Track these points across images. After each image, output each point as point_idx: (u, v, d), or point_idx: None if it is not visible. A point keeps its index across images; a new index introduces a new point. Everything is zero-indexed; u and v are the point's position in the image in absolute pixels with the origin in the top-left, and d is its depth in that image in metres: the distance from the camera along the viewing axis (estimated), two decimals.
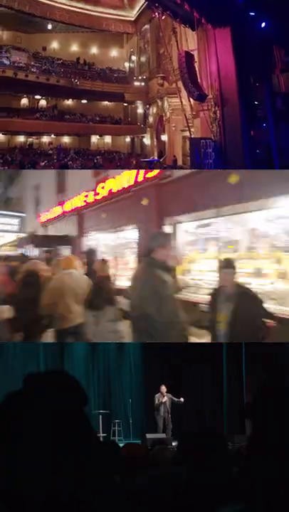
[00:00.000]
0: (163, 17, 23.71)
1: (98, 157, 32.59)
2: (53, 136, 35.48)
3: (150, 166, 27.33)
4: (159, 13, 23.51)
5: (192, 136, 22.31)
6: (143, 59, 36.57)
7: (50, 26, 35.78)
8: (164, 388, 12.52)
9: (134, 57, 38.11)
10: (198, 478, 1.82)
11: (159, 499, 1.66)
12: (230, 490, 1.81)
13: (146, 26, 34.06)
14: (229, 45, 18.12)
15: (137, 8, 33.39)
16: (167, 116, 29.87)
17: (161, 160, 29.89)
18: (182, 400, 12.50)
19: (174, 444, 10.06)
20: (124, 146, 37.61)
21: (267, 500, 1.19)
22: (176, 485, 1.71)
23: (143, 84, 35.29)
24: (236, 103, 18.13)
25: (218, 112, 18.93)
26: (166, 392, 12.55)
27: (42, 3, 31.22)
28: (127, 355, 14.91)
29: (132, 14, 34.46)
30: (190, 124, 22.84)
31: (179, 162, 27.36)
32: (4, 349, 13.39)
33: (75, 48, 38.85)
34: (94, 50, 39.28)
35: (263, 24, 17.01)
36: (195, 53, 21.12)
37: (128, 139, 37.95)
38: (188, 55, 20.85)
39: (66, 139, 36.14)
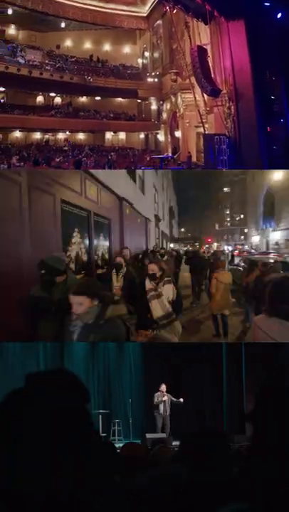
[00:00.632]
0: (174, 11, 22.57)
1: (112, 153, 32.11)
2: (68, 132, 34.87)
3: (162, 162, 26.18)
4: (170, 7, 22.35)
5: (206, 133, 21.22)
6: (156, 55, 35.84)
7: (63, 24, 34.86)
8: (164, 387, 12.07)
9: (147, 54, 37.34)
10: (198, 477, 1.75)
11: (159, 499, 1.55)
12: (230, 490, 1.76)
13: (159, 22, 33.32)
14: (243, 38, 17.18)
15: (149, 4, 32.50)
16: (181, 112, 29.03)
17: (175, 156, 28.98)
18: (182, 400, 11.99)
19: (174, 443, 9.91)
20: (139, 142, 36.99)
21: (267, 501, 1.15)
22: (176, 485, 1.60)
23: (156, 80, 34.54)
24: (251, 98, 17.13)
25: (232, 107, 17.99)
26: (166, 391, 12.11)
27: (55, 1, 30.55)
28: (127, 355, 14.41)
29: (145, 10, 33.44)
30: (204, 120, 21.91)
31: (194, 159, 26.31)
32: (4, 349, 12.89)
33: (88, 45, 38.02)
34: (107, 47, 38.39)
35: (279, 15, 15.95)
36: (208, 47, 19.93)
37: (142, 136, 37.32)
38: (201, 50, 19.85)
39: (81, 136, 35.65)
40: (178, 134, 30.27)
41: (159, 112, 34.77)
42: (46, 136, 34.49)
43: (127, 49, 38.97)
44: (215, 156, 18.59)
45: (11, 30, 35.59)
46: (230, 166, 18.53)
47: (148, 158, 29.73)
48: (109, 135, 36.61)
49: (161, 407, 11.82)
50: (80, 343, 11.50)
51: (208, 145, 19.38)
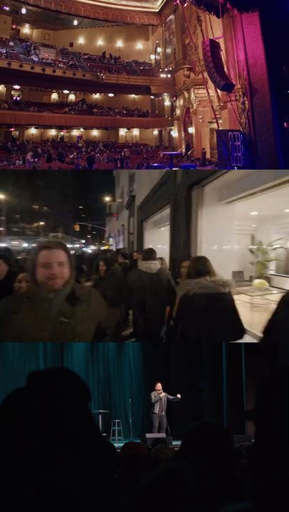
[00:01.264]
0: (185, 4, 21.44)
1: (125, 150, 31.43)
2: (82, 129, 34.30)
3: (172, 159, 25.06)
4: (180, 1, 21.27)
5: (219, 128, 20.15)
6: (169, 50, 34.78)
7: (76, 22, 34.98)
8: (159, 386, 11.90)
9: (159, 49, 36.31)
10: (201, 474, 1.60)
11: (160, 498, 1.43)
12: (232, 488, 1.75)
13: (171, 17, 32.37)
14: (258, 31, 16.16)
15: None
16: (194, 108, 27.89)
17: (188, 153, 27.90)
18: (179, 396, 11.82)
19: (173, 443, 9.91)
20: (152, 138, 36.11)
21: (267, 501, 1.12)
22: (177, 484, 1.47)
23: (169, 76, 33.58)
24: (267, 92, 16.11)
25: (246, 102, 17.03)
26: (163, 390, 11.98)
27: None
28: (126, 355, 14.38)
29: (156, 5, 32.89)
30: (218, 116, 20.82)
31: (208, 155, 25.21)
32: (4, 349, 13.07)
33: (100, 42, 37.16)
34: (119, 43, 37.45)
35: None
36: (221, 41, 18.80)
37: (156, 132, 36.38)
38: (213, 44, 18.81)
39: (95, 132, 35.04)
40: (191, 130, 29.27)
41: (173, 108, 33.76)
42: (61, 133, 34.05)
43: (139, 45, 37.99)
44: (228, 152, 17.64)
45: (26, 29, 35.48)
46: (245, 163, 17.43)
47: (161, 155, 28.79)
48: (123, 131, 35.80)
49: (157, 406, 11.70)
50: (79, 343, 11.66)
51: (222, 141, 18.41)
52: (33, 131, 33.04)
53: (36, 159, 26.45)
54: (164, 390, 11.89)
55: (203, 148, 25.97)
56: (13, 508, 1.02)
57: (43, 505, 1.01)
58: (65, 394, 1.11)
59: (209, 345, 12.37)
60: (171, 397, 11.78)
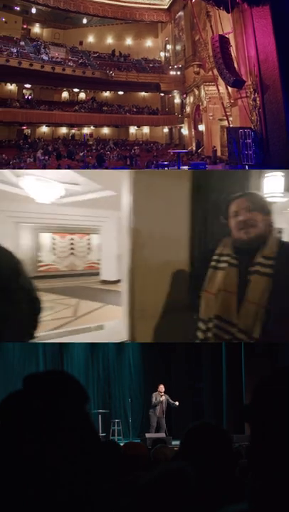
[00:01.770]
0: (194, 0, 20.69)
1: (135, 147, 31.11)
2: (92, 127, 34.19)
3: (179, 157, 24.47)
4: None
5: (230, 126, 19.47)
6: (178, 47, 34.22)
7: (85, 21, 34.77)
8: (162, 387, 11.68)
9: (169, 46, 35.82)
10: (200, 476, 1.54)
11: (159, 499, 1.40)
12: (232, 489, 1.73)
13: (180, 13, 31.85)
14: (269, 25, 15.42)
15: None
16: (204, 105, 27.31)
17: (199, 151, 27.31)
18: (177, 403, 11.64)
19: (173, 443, 9.83)
20: (163, 136, 35.72)
21: (267, 501, 1.10)
22: (177, 483, 1.44)
23: (179, 73, 32.99)
24: (278, 89, 15.44)
25: (258, 99, 16.41)
26: (164, 392, 11.77)
27: None
28: (126, 355, 14.18)
29: (165, 2, 32.49)
30: (228, 113, 20.15)
31: (219, 153, 24.64)
32: (4, 349, 12.89)
33: (110, 40, 36.84)
34: (129, 41, 37.06)
35: None
36: (231, 37, 18.12)
37: (166, 130, 35.96)
38: (223, 39, 18.19)
39: (106, 130, 34.76)
40: (202, 127, 28.73)
41: (183, 105, 33.22)
42: (72, 131, 33.92)
43: (148, 43, 37.46)
44: (239, 150, 16.97)
45: (36, 29, 35.57)
46: (256, 161, 16.72)
47: (171, 153, 28.24)
48: (133, 129, 35.41)
49: (158, 407, 11.52)
50: (79, 343, 12.28)
51: (232, 139, 17.72)
52: (44, 129, 33.03)
53: (46, 157, 26.36)
54: (164, 390, 11.73)
55: (214, 146, 25.39)
56: (13, 508, 0.99)
57: (43, 505, 1.00)
58: (64, 394, 1.08)
59: (209, 345, 12.12)
60: (171, 402, 11.60)
